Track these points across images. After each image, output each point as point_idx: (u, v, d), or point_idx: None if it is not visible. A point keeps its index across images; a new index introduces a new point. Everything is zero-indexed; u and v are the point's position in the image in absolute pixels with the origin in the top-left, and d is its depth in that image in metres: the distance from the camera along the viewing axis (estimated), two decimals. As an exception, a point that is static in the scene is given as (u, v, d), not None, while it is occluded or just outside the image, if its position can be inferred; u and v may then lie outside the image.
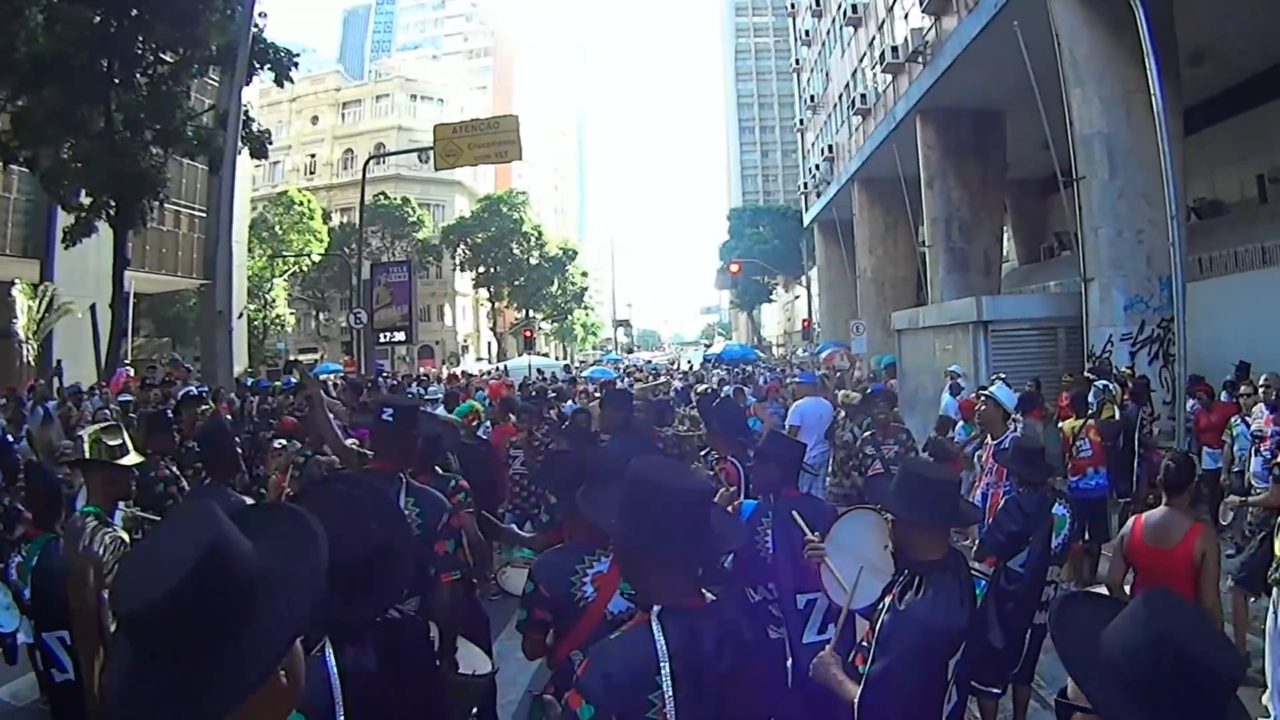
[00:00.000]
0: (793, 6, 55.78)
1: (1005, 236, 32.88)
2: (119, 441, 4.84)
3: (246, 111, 22.83)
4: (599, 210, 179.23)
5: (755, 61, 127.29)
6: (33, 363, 24.90)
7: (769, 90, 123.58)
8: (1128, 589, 5.56)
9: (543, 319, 75.53)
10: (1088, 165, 17.45)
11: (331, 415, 10.13)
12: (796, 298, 77.21)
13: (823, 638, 4.89)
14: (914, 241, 32.62)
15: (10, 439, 11.54)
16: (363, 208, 34.94)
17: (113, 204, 22.26)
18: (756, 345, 71.43)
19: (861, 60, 37.11)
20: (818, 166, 47.00)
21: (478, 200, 72.85)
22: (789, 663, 5.03)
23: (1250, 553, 7.98)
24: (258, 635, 1.65)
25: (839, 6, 40.00)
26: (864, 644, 3.63)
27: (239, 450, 6.38)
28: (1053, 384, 15.56)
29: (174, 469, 7.16)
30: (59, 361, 22.62)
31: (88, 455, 4.79)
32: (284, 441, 10.18)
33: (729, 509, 5.27)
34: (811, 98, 49.95)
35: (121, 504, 5.47)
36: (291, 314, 58.74)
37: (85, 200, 22.47)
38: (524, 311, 71.80)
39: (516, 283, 70.09)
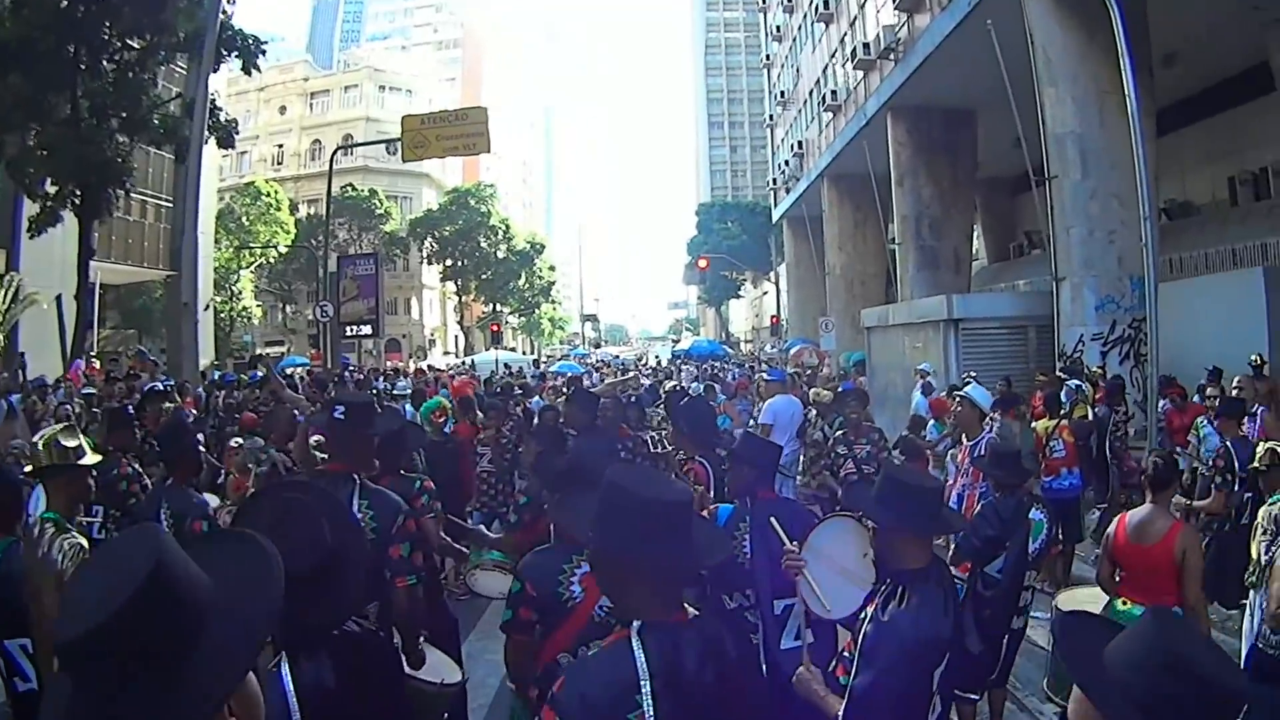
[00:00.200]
0: (764, 2, 55.90)
1: (975, 235, 32.98)
2: (75, 443, 4.62)
3: (213, 100, 22.61)
4: (567, 204, 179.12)
5: (725, 56, 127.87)
6: (-3, 355, 24.53)
7: (739, 85, 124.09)
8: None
9: (510, 313, 75.47)
10: (1060, 165, 17.52)
11: (295, 410, 10.02)
12: (765, 294, 77.39)
13: (799, 644, 4.80)
14: (884, 238, 32.68)
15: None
16: (330, 199, 34.60)
17: (78, 193, 21.97)
18: (725, 341, 71.47)
19: (833, 56, 37.12)
20: (787, 162, 47.12)
21: (445, 193, 72.72)
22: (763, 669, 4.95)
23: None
24: (204, 669, 1.57)
25: (810, 2, 40.02)
26: (845, 654, 3.55)
27: (201, 448, 6.23)
28: (1023, 383, 15.65)
29: (136, 466, 6.97)
30: (22, 354, 22.27)
31: (44, 460, 4.57)
32: (240, 440, 10.00)
33: (704, 513, 5.18)
34: (782, 93, 49.96)
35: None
36: (258, 306, 58.16)
37: (51, 189, 22.16)
38: (491, 305, 71.73)
39: (484, 276, 70.00)
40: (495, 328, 43.78)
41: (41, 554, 4.00)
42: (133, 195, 32.56)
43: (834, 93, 35.51)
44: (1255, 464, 7.06)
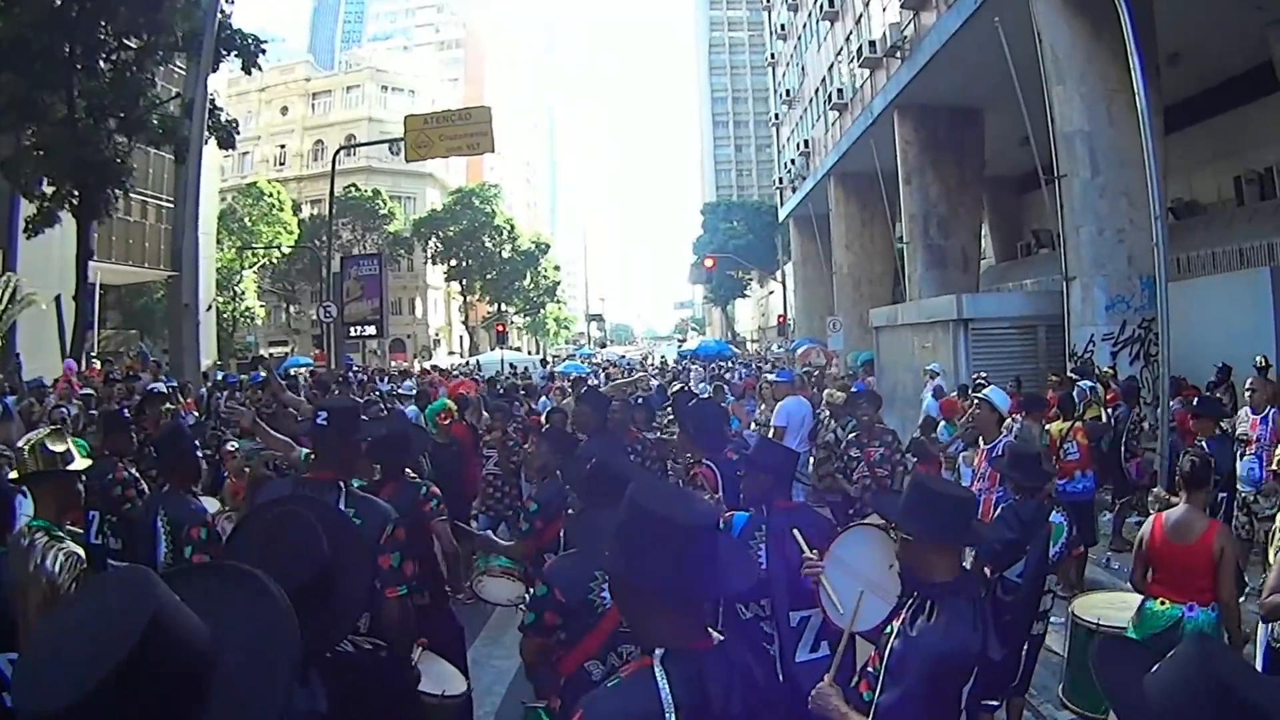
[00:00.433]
0: (768, 0, 55.68)
1: (983, 234, 32.86)
2: (63, 448, 4.42)
3: (213, 100, 22.46)
4: (571, 204, 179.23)
5: (729, 56, 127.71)
6: (-4, 356, 24.39)
7: (743, 85, 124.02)
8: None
9: (515, 313, 75.66)
10: (1069, 163, 17.45)
11: (294, 411, 9.87)
12: (771, 293, 77.26)
13: (815, 656, 4.69)
14: (891, 237, 32.62)
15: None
16: (332, 199, 34.56)
17: (76, 193, 21.82)
18: (731, 341, 71.47)
19: (838, 55, 37.09)
20: (793, 161, 47.04)
21: (449, 193, 72.87)
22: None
23: None
24: None
25: (815, 1, 39.84)
26: (869, 669, 3.39)
27: (199, 454, 6.06)
28: (1033, 383, 15.56)
29: (133, 471, 6.79)
30: (18, 355, 22.13)
31: (30, 466, 4.37)
32: (235, 444, 9.85)
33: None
34: (787, 92, 49.93)
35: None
36: (261, 307, 58.18)
37: (48, 189, 22.01)
38: (496, 305, 71.76)
39: (489, 276, 70.10)
40: (500, 328, 43.70)
41: (34, 565, 3.82)
42: (133, 196, 32.52)
43: (840, 91, 35.41)
44: (1274, 466, 6.97)
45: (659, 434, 10.78)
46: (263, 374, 16.19)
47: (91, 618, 1.35)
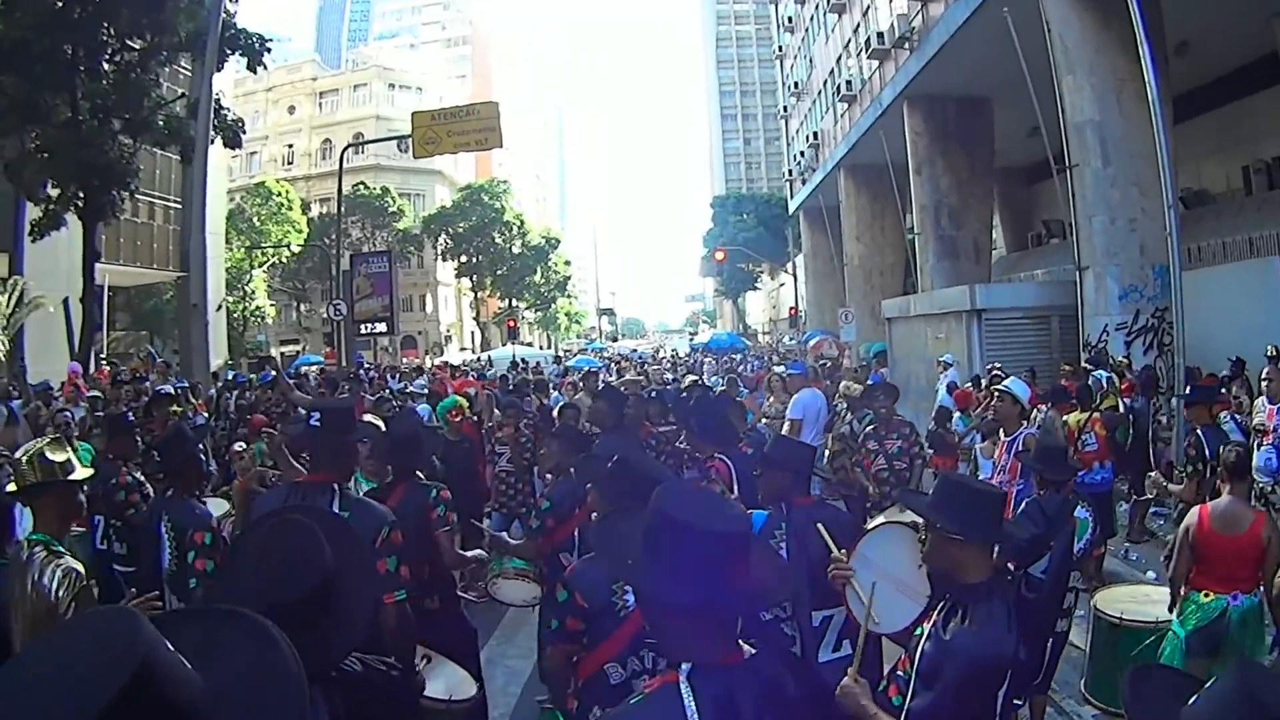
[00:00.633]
0: (775, -8, 55.66)
1: (994, 224, 32.73)
2: (64, 457, 4.21)
3: (218, 100, 22.35)
4: (580, 199, 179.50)
5: (737, 49, 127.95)
6: (3, 359, 24.35)
7: (751, 77, 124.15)
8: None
9: (526, 308, 75.61)
10: (1080, 153, 17.44)
11: (303, 411, 9.79)
12: (782, 285, 77.20)
13: (838, 655, 4.59)
14: (902, 229, 32.51)
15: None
16: (340, 197, 34.59)
17: (81, 196, 21.74)
18: (742, 333, 71.44)
19: (846, 46, 36.92)
20: (802, 153, 46.85)
21: (459, 190, 72.74)
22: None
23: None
24: None
25: (822, -8, 39.74)
26: (899, 673, 3.27)
27: (203, 458, 5.96)
28: (1047, 374, 15.59)
29: (137, 475, 6.69)
30: (22, 359, 22.11)
31: (29, 477, 4.13)
32: (243, 445, 9.76)
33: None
34: (795, 84, 49.71)
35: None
36: (272, 306, 58.19)
37: (52, 192, 21.91)
38: (507, 301, 71.75)
39: (499, 272, 70.12)
40: (511, 323, 43.74)
41: (32, 582, 3.68)
42: (141, 197, 32.39)
43: (848, 83, 35.25)
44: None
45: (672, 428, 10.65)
46: (272, 374, 16.12)
47: (66, 667, 1.19)
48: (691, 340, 61.10)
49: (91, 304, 23.11)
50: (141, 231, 37.85)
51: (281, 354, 56.67)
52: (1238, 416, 10.66)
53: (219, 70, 21.29)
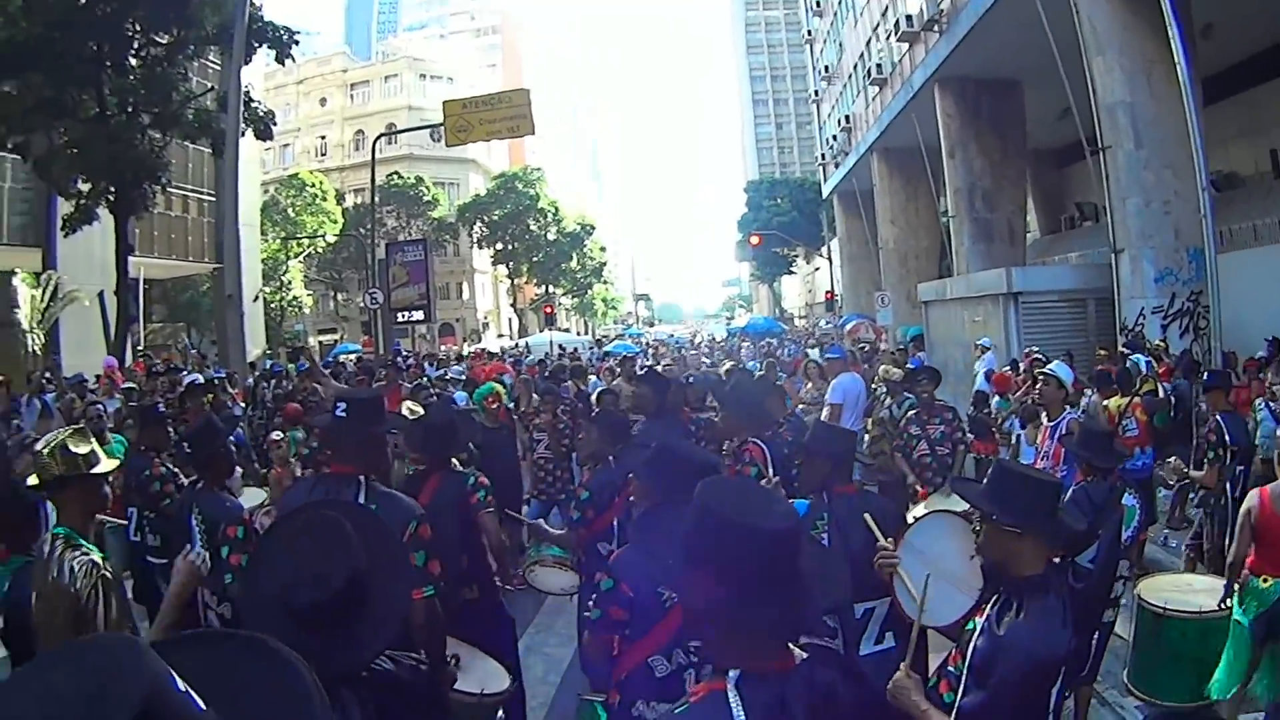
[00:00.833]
0: (803, -23, 55.45)
1: (1027, 207, 32.55)
2: (87, 449, 4.09)
3: (248, 92, 22.37)
4: (614, 185, 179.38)
5: (766, 34, 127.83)
6: (39, 353, 24.53)
7: (781, 63, 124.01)
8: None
9: (563, 294, 75.74)
10: (1112, 135, 17.42)
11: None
12: (817, 269, 77.17)
13: (881, 648, 4.52)
14: (936, 211, 32.36)
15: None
16: (374, 187, 34.72)
17: (112, 190, 21.85)
18: (779, 317, 71.36)
19: (875, 29, 36.74)
20: (835, 137, 46.76)
21: (493, 178, 72.74)
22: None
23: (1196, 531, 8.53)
24: None
25: (850, -24, 39.59)
26: (950, 669, 3.16)
27: (232, 450, 5.89)
28: (1084, 357, 15.51)
29: (170, 465, 6.66)
30: (57, 353, 22.24)
31: (51, 470, 3.99)
32: (280, 434, 9.72)
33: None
34: (825, 68, 49.55)
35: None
36: (309, 295, 58.46)
37: (83, 187, 22.01)
38: (544, 287, 71.73)
39: (535, 259, 70.07)
40: (548, 309, 43.73)
41: (53, 576, 3.61)
42: (174, 190, 32.72)
43: (879, 66, 35.14)
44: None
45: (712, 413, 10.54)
46: (306, 364, 16.12)
47: (56, 706, 1.06)
48: (728, 325, 60.96)
49: (126, 297, 23.22)
50: (176, 225, 38.10)
51: (320, 343, 57.06)
52: (1272, 405, 10.46)
53: (247, 63, 21.24)
